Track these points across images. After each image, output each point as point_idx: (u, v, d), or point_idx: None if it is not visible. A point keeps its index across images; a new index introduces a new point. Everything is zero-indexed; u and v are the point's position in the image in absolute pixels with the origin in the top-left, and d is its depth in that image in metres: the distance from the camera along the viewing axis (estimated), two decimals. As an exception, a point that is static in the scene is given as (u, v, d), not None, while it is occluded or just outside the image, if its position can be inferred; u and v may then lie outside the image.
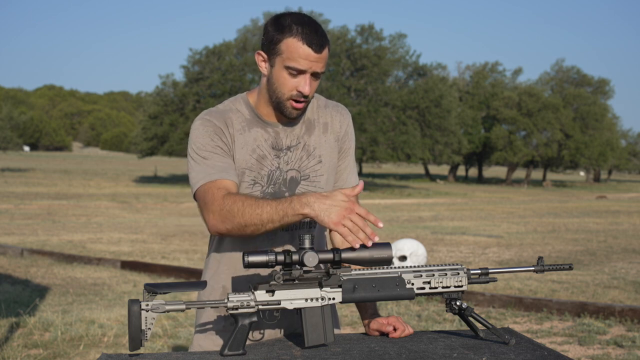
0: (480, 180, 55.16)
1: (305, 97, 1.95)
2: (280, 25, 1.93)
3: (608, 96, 56.66)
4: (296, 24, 1.92)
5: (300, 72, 1.93)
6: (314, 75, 1.94)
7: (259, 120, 2.05)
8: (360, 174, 56.19)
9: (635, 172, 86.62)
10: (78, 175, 37.81)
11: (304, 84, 1.93)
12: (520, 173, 66.88)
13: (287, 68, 1.92)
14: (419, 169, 66.08)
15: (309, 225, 2.09)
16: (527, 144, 49.82)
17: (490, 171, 71.90)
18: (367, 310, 2.10)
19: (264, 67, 1.99)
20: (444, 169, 66.99)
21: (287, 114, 1.99)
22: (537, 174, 68.32)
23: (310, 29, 1.91)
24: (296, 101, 1.96)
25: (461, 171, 64.50)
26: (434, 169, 68.12)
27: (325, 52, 1.94)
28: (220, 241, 2.09)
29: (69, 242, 11.99)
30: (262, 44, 1.98)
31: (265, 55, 1.98)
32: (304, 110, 2.02)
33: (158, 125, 37.47)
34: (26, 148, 70.81)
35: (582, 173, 74.20)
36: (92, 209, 20.41)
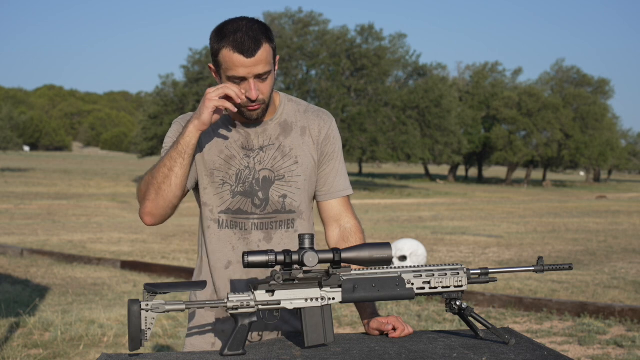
0: (480, 180, 55.16)
1: (254, 101, 1.97)
2: (218, 36, 1.95)
3: (608, 96, 56.66)
4: (229, 33, 1.92)
5: (242, 79, 1.94)
6: (258, 77, 1.95)
7: (231, 121, 2.09)
8: (360, 174, 56.26)
9: (635, 172, 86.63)
10: (78, 175, 37.82)
11: (249, 90, 1.94)
12: (520, 173, 66.89)
13: (229, 78, 1.95)
14: (419, 169, 66.06)
15: (287, 225, 2.09)
16: (527, 144, 49.81)
17: (490, 171, 71.90)
18: (367, 309, 2.10)
19: (217, 79, 2.02)
20: (444, 169, 66.99)
21: (248, 117, 2.02)
22: (537, 174, 68.32)
23: (242, 35, 1.91)
24: (251, 106, 1.99)
25: (461, 171, 64.49)
26: (434, 169, 68.14)
27: (260, 54, 1.92)
28: (204, 241, 2.13)
29: (69, 242, 11.99)
30: (211, 55, 2.01)
31: (214, 67, 2.01)
32: (264, 111, 2.03)
33: (158, 125, 37.47)
34: (26, 148, 70.76)
35: (582, 173, 74.20)
36: (92, 209, 20.41)
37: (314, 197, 2.18)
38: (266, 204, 2.06)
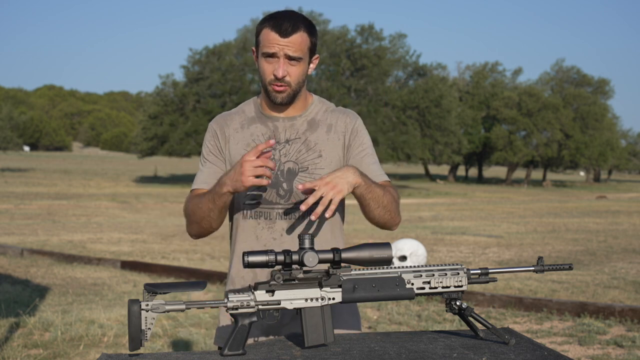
0: (480, 180, 55.14)
1: (281, 79, 2.07)
2: (263, 19, 2.11)
3: (608, 96, 56.63)
4: (272, 17, 2.08)
5: (273, 55, 2.06)
6: (289, 58, 2.06)
7: (261, 116, 2.19)
8: (360, 174, 56.01)
9: (635, 172, 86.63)
10: (78, 175, 37.82)
11: (277, 67, 2.06)
12: (520, 173, 66.86)
13: (263, 55, 2.08)
14: (419, 169, 66.01)
15: (310, 215, 2.10)
16: (527, 144, 49.80)
17: (490, 171, 71.87)
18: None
19: (255, 61, 2.15)
20: (444, 169, 66.96)
21: (272, 99, 2.13)
22: (537, 174, 68.29)
23: (283, 18, 2.07)
24: (276, 85, 2.08)
25: (461, 171, 64.47)
26: (434, 169, 68.08)
27: (295, 37, 2.05)
28: (234, 237, 2.21)
29: (69, 242, 11.99)
30: (255, 37, 2.15)
31: (255, 50, 2.16)
32: (290, 97, 2.11)
33: (158, 125, 37.45)
34: (26, 148, 70.74)
35: (582, 173, 74.17)
36: (92, 209, 20.41)
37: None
38: (290, 195, 2.13)
